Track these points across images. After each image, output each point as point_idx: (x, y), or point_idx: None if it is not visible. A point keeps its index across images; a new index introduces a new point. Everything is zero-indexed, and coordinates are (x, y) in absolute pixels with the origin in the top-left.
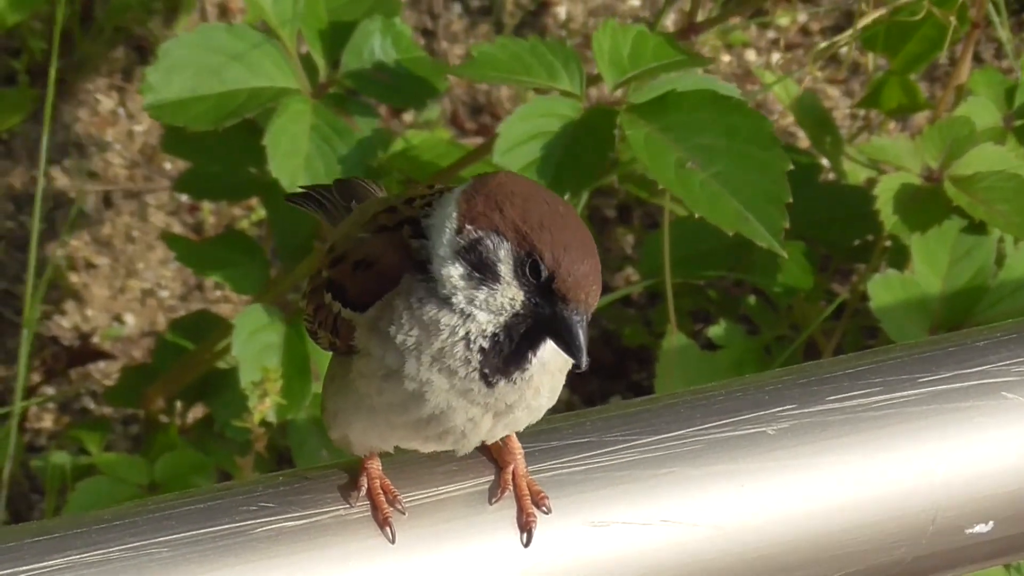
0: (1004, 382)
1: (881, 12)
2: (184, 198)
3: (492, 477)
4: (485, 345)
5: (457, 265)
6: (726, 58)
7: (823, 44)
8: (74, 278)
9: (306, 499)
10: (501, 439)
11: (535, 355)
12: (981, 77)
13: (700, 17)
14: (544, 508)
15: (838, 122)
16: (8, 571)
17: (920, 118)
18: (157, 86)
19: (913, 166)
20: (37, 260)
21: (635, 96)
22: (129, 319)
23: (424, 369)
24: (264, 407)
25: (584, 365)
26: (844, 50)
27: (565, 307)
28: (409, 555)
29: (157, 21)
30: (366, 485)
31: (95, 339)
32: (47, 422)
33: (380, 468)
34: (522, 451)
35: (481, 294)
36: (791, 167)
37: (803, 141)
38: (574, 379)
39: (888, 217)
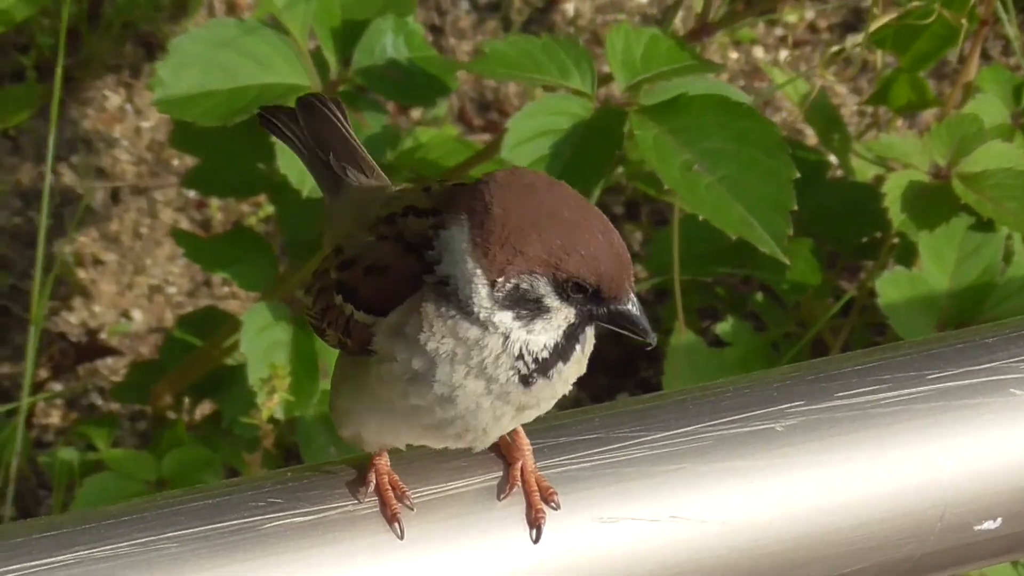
0: (1013, 379)
1: (891, 16)
2: (192, 194)
3: (501, 473)
4: (546, 356)
5: (506, 313)
6: (734, 55)
7: (834, 48)
8: (82, 274)
9: (314, 495)
10: (509, 435)
11: (575, 350)
12: (989, 74)
13: (711, 18)
14: (553, 504)
15: (846, 119)
16: (17, 566)
17: (928, 115)
18: (167, 81)
19: (921, 163)
20: (45, 256)
21: (646, 98)
22: (137, 315)
23: (458, 376)
24: (272, 404)
25: (654, 342)
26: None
27: (619, 303)
28: (418, 551)
29: (164, 18)
30: (375, 481)
31: (103, 335)
32: (54, 418)
33: (389, 464)
34: (531, 447)
35: (538, 325)
36: (797, 175)
37: (811, 138)
38: (582, 376)
39: (896, 214)
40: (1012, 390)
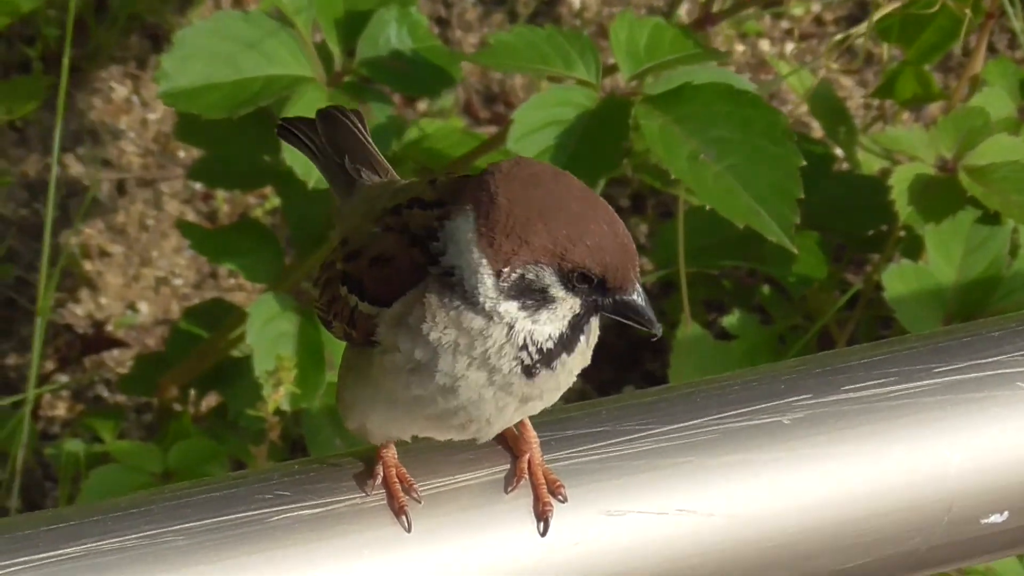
0: (1019, 372)
1: (896, 5)
2: (198, 186)
3: (508, 466)
4: (551, 346)
5: (511, 303)
6: (740, 48)
7: (838, 37)
8: (88, 266)
9: (322, 487)
10: (516, 428)
11: (579, 340)
12: (995, 67)
13: (716, 7)
14: (560, 497)
15: (852, 112)
16: (24, 558)
17: (934, 108)
18: (172, 73)
19: (927, 156)
20: (51, 248)
21: (651, 87)
22: (143, 307)
23: (460, 366)
24: (278, 396)
25: (660, 332)
26: (859, 41)
27: (624, 293)
28: (425, 544)
29: (170, 10)
30: (382, 473)
31: (109, 327)
32: (60, 410)
33: (396, 456)
34: (538, 440)
35: (543, 315)
36: (804, 163)
37: (817, 131)
38: (587, 369)
39: (903, 207)
40: (1019, 383)
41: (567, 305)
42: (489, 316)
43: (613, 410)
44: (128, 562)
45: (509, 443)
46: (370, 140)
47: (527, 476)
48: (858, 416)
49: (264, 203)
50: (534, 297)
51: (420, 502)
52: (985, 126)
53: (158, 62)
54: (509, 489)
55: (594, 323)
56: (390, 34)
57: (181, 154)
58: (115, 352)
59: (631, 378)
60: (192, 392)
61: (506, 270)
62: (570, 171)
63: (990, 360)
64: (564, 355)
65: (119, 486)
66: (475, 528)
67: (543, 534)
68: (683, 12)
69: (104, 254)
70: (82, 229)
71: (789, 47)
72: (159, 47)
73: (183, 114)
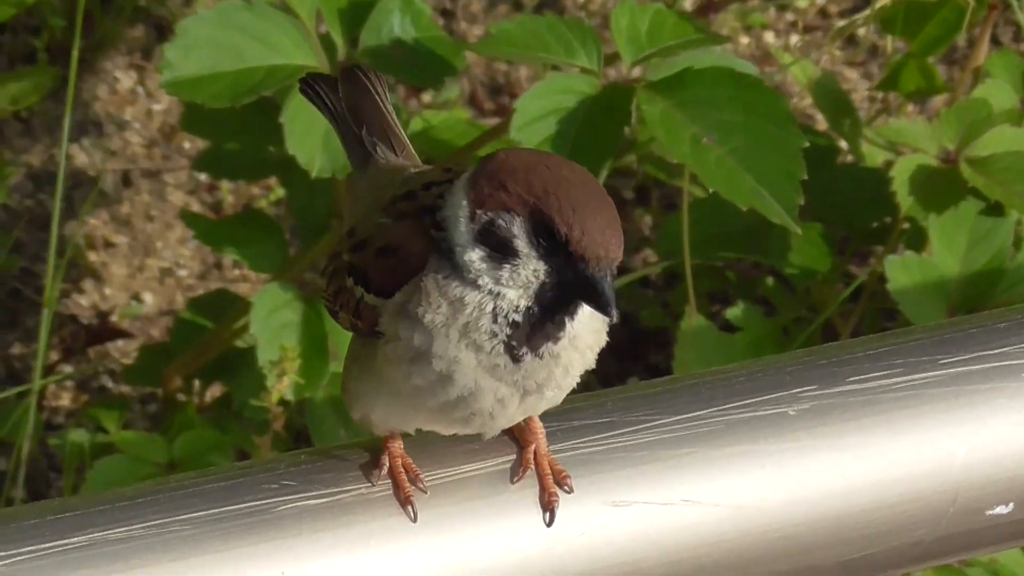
0: None
1: None
2: (203, 177)
3: (514, 456)
4: (517, 319)
5: (477, 250)
6: (744, 40)
7: (842, 23)
8: (93, 257)
9: (328, 477)
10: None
11: (565, 328)
12: (999, 60)
13: None
14: (566, 487)
15: (856, 104)
16: (30, 548)
17: (938, 101)
18: (175, 63)
19: (930, 148)
20: (57, 239)
21: (652, 73)
22: (148, 298)
23: (452, 347)
24: (282, 386)
25: (615, 319)
26: (862, 32)
27: (586, 266)
28: (431, 534)
29: (175, 0)
30: (388, 464)
31: (114, 318)
32: (65, 400)
33: (402, 447)
34: (544, 430)
35: (505, 272)
36: (806, 144)
37: (821, 123)
38: None
39: (904, 198)
40: None
41: (530, 266)
42: (465, 283)
43: (619, 401)
44: (135, 551)
45: (515, 433)
46: (389, 106)
47: (533, 466)
48: (863, 407)
49: (269, 194)
50: (501, 251)
51: (426, 492)
52: (988, 118)
53: (162, 51)
54: (515, 479)
55: (596, 323)
56: (393, 23)
57: (186, 145)
58: (120, 343)
59: (635, 370)
60: (196, 382)
61: (479, 212)
62: (572, 159)
63: (995, 352)
64: (549, 344)
65: (123, 476)
66: (481, 518)
67: (549, 524)
68: (687, 3)
69: (109, 245)
70: (87, 220)
71: (794, 39)
72: (164, 38)
73: (188, 104)
